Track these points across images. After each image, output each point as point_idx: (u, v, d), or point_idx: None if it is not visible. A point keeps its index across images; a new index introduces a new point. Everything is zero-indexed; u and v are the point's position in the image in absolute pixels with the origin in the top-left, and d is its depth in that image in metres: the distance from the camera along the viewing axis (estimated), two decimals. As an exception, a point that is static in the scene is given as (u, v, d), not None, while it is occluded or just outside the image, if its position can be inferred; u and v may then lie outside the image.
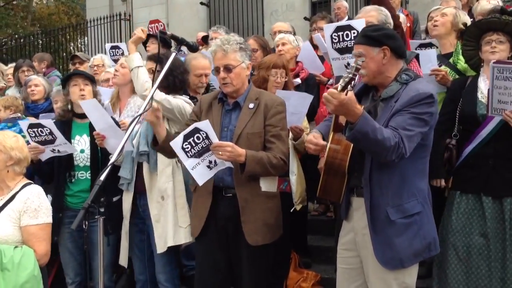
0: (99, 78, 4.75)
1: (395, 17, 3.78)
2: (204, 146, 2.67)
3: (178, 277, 3.48)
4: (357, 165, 2.48)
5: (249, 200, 2.82)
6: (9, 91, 5.23)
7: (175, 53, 2.68)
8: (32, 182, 2.91)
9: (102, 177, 2.20)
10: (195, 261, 3.14)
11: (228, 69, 2.85)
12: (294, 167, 3.59)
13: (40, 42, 14.51)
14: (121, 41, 12.90)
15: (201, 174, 2.74)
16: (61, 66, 13.75)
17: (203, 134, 2.65)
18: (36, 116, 4.54)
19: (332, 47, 3.48)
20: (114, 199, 3.48)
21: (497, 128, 2.99)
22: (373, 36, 2.50)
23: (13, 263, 2.54)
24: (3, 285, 2.47)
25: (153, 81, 2.90)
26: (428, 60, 3.53)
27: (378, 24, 3.08)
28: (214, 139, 2.64)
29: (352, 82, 2.22)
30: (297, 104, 3.41)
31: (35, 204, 2.73)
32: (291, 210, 3.54)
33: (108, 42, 13.17)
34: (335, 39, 3.45)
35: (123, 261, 3.43)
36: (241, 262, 2.89)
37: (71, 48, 17.64)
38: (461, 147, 3.16)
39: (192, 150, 2.68)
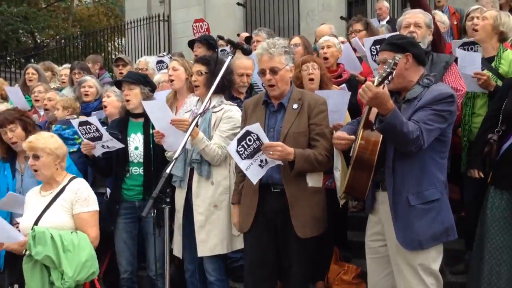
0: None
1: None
2: (255, 147, 2.93)
3: (224, 267, 3.70)
4: (382, 160, 2.70)
5: (297, 195, 3.05)
6: (65, 91, 5.58)
7: (231, 57, 2.91)
8: (76, 176, 3.24)
9: (168, 170, 2.50)
10: (244, 253, 3.39)
11: (274, 71, 3.08)
12: (338, 163, 3.73)
13: (80, 43, 15.04)
14: (159, 42, 13.35)
15: (255, 173, 3.01)
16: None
17: (254, 136, 2.91)
18: (87, 115, 4.87)
19: (372, 59, 3.69)
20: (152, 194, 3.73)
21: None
22: (397, 44, 2.79)
23: (73, 245, 2.87)
24: (67, 264, 2.80)
25: (206, 83, 3.18)
26: (472, 62, 3.68)
27: (402, 34, 3.35)
28: (265, 139, 2.89)
29: (389, 77, 2.48)
30: (336, 102, 3.58)
31: (85, 194, 3.08)
32: (340, 205, 3.74)
33: (146, 43, 13.63)
34: (374, 51, 3.71)
35: (178, 252, 3.67)
36: (290, 254, 3.12)
37: (110, 48, 18.23)
38: (501, 143, 3.31)
39: (245, 152, 2.95)
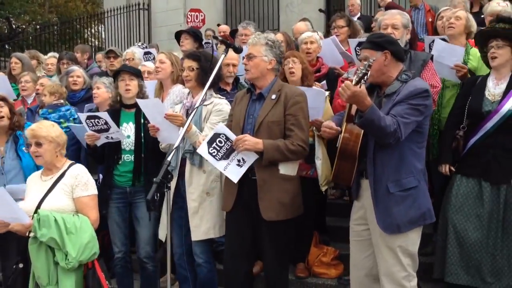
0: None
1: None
2: (228, 147, 3.17)
3: (211, 251, 3.92)
4: (364, 150, 2.95)
5: (267, 181, 3.28)
6: (53, 79, 5.70)
7: (224, 55, 3.13)
8: (75, 162, 3.41)
9: (169, 158, 2.73)
10: (225, 234, 3.62)
11: (249, 57, 3.35)
12: (319, 152, 4.03)
13: (57, 30, 14.91)
14: (139, 31, 13.35)
15: (234, 172, 3.25)
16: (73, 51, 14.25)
17: (222, 137, 3.15)
18: (74, 104, 5.04)
19: (357, 58, 3.99)
20: (155, 179, 3.93)
21: (500, 122, 3.46)
22: (376, 42, 3.01)
23: (75, 227, 3.04)
24: (71, 245, 2.97)
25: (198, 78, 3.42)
26: (453, 54, 3.96)
27: (381, 32, 3.60)
28: (232, 136, 3.13)
29: (365, 77, 2.72)
30: (313, 100, 3.76)
31: (84, 179, 3.25)
32: (323, 192, 4.01)
33: (125, 31, 13.60)
34: (358, 52, 3.96)
35: (163, 236, 3.85)
36: (261, 236, 3.37)
37: (86, 35, 18.06)
38: (467, 138, 3.61)
39: (218, 153, 3.20)
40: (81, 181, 3.22)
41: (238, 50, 3.24)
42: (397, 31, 3.82)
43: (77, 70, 5.17)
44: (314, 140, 4.04)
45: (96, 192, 3.31)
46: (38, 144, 3.18)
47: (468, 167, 3.56)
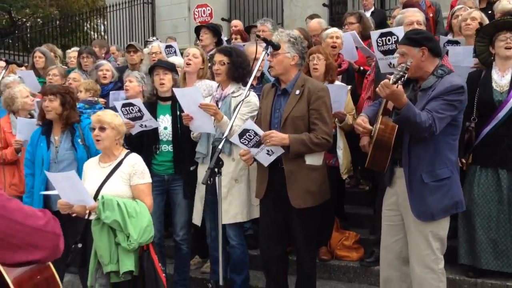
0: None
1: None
2: (257, 140, 3.39)
3: (243, 234, 4.16)
4: (399, 141, 3.12)
5: (294, 171, 3.51)
6: (75, 72, 5.92)
7: (265, 52, 3.37)
8: (131, 151, 3.61)
9: (220, 146, 2.99)
10: (259, 219, 3.87)
11: (273, 54, 3.55)
12: (341, 143, 4.30)
13: (58, 24, 15.04)
14: (143, 25, 13.51)
15: (264, 159, 3.50)
16: (77, 45, 14.39)
17: (251, 132, 3.36)
18: (103, 96, 5.27)
19: (378, 49, 4.18)
20: (191, 168, 4.17)
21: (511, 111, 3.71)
22: (414, 38, 3.14)
23: (136, 212, 3.22)
24: (132, 228, 3.16)
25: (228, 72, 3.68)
26: (467, 55, 4.21)
27: (419, 28, 3.79)
28: (260, 132, 3.35)
29: (402, 79, 2.90)
30: (336, 94, 4.01)
31: (141, 168, 3.44)
32: (345, 180, 4.26)
33: (128, 25, 13.74)
34: (380, 43, 4.17)
35: (197, 220, 4.12)
36: (291, 222, 3.61)
37: (87, 28, 18.19)
38: (478, 129, 3.86)
39: (249, 143, 3.43)
40: (138, 169, 3.40)
41: (276, 47, 3.46)
42: (420, 27, 4.06)
43: (106, 64, 5.41)
44: (336, 131, 4.31)
45: (150, 180, 3.48)
46: (102, 129, 3.34)
47: (484, 158, 3.79)
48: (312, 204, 3.53)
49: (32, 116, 4.66)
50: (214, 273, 4.20)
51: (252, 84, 4.60)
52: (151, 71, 4.31)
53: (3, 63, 4.53)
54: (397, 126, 3.04)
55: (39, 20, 17.42)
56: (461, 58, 4.19)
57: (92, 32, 18.07)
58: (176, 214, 4.20)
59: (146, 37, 13.22)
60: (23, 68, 4.90)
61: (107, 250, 3.17)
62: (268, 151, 3.45)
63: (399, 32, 4.03)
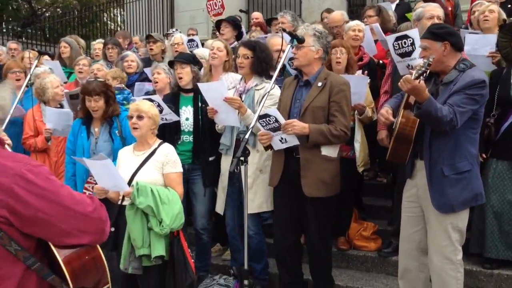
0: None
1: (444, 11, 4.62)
2: (275, 126, 3.48)
3: (261, 223, 4.28)
4: (420, 134, 3.18)
5: (309, 160, 3.60)
6: (99, 63, 6.07)
7: (290, 46, 3.47)
8: (164, 141, 3.72)
9: (247, 136, 3.15)
10: (273, 207, 3.97)
11: (298, 47, 3.64)
12: (359, 136, 4.38)
13: (77, 13, 15.21)
14: (162, 16, 13.64)
15: (276, 144, 3.60)
16: (95, 36, 14.57)
17: (272, 118, 3.45)
18: (128, 86, 5.40)
19: (395, 53, 4.25)
20: (210, 158, 4.31)
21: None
22: (437, 33, 3.18)
23: (168, 199, 3.35)
24: (165, 214, 3.28)
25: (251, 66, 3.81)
26: (487, 44, 4.23)
27: (441, 23, 3.85)
28: (282, 120, 3.44)
29: (424, 74, 2.97)
30: (356, 85, 4.07)
31: (174, 157, 3.57)
32: (360, 172, 4.36)
33: (146, 16, 13.87)
34: (396, 46, 4.25)
35: (220, 209, 4.25)
36: (304, 211, 3.70)
37: (106, 19, 18.36)
38: (498, 124, 3.91)
39: (266, 126, 3.52)
40: (170, 159, 3.53)
41: (300, 41, 3.55)
42: (440, 21, 4.13)
43: (131, 55, 5.55)
44: (354, 124, 4.40)
45: (181, 169, 3.61)
46: (140, 117, 3.47)
47: (501, 151, 3.87)
48: (324, 194, 3.63)
49: (61, 106, 4.82)
50: (234, 260, 4.36)
51: (271, 75, 4.74)
52: (171, 65, 4.44)
53: (35, 53, 4.66)
54: (418, 120, 3.10)
55: (58, 10, 17.62)
56: (478, 46, 4.22)
57: (110, 23, 18.23)
58: (196, 203, 4.33)
59: (164, 27, 13.35)
60: (47, 58, 5.02)
61: (140, 234, 3.29)
62: (281, 138, 3.54)
63: (414, 34, 4.13)
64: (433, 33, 3.18)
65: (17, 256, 1.67)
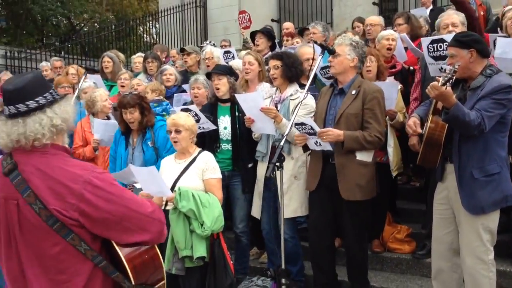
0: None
1: (473, 15, 4.68)
2: (311, 132, 3.67)
3: (295, 228, 4.42)
4: (450, 139, 3.29)
5: (345, 165, 3.77)
6: (140, 76, 6.41)
7: (321, 57, 3.67)
8: (203, 149, 3.95)
9: (282, 143, 3.37)
10: (308, 211, 4.13)
11: (334, 56, 3.83)
12: (391, 141, 4.51)
13: (113, 28, 15.77)
14: (196, 27, 14.03)
15: (311, 145, 3.78)
16: (131, 49, 15.11)
17: (308, 126, 3.64)
18: (167, 98, 5.69)
19: (428, 55, 4.36)
20: (249, 165, 4.51)
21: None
22: (463, 41, 3.31)
23: (208, 203, 3.56)
24: (206, 217, 3.49)
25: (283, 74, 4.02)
26: None
27: (467, 31, 3.94)
28: (317, 128, 3.63)
29: (451, 81, 3.10)
30: (387, 91, 4.18)
31: (213, 164, 3.79)
32: (393, 177, 4.48)
33: (180, 28, 14.28)
34: (431, 49, 4.34)
35: (256, 213, 4.44)
36: (342, 214, 3.86)
37: (141, 32, 18.98)
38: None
39: (302, 131, 3.71)
40: (210, 165, 3.75)
41: (331, 52, 3.75)
42: (457, 28, 4.23)
43: (170, 69, 5.88)
44: (387, 129, 4.53)
45: (221, 176, 3.82)
46: (178, 131, 3.71)
47: None
48: (360, 197, 3.78)
49: (108, 118, 5.14)
50: (271, 262, 4.52)
51: (304, 84, 4.92)
52: (208, 76, 4.69)
53: (81, 70, 5.01)
54: (447, 125, 3.22)
55: (96, 24, 18.30)
56: (508, 49, 4.28)
57: (145, 36, 18.83)
58: (235, 208, 4.53)
59: (198, 39, 13.72)
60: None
61: (183, 236, 3.51)
62: (316, 142, 3.73)
63: (450, 39, 4.21)
64: (459, 41, 3.31)
65: (86, 255, 1.89)
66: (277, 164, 3.35)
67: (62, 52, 14.57)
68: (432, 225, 3.65)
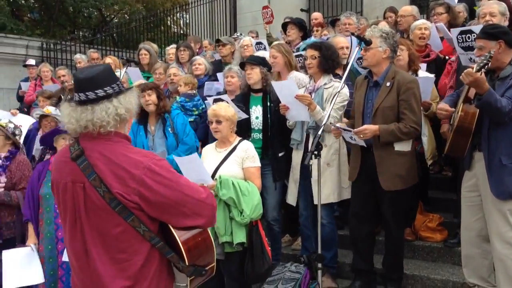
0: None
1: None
2: (347, 129, 3.80)
3: (333, 214, 4.57)
4: (479, 127, 3.40)
5: (383, 157, 3.88)
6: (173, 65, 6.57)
7: (359, 49, 3.76)
8: (243, 138, 4.08)
9: (319, 132, 3.48)
10: (350, 200, 4.26)
11: (366, 48, 3.91)
12: (426, 130, 4.58)
13: (143, 19, 15.98)
14: (225, 18, 14.14)
15: (347, 138, 3.93)
16: (161, 40, 15.30)
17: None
18: (199, 87, 5.84)
19: (458, 45, 4.44)
20: (280, 154, 4.64)
21: None
22: (491, 33, 3.43)
23: (248, 191, 3.69)
24: (245, 205, 3.62)
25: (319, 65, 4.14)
26: None
27: (494, 23, 4.00)
28: (351, 129, 3.75)
29: (486, 66, 3.20)
30: (423, 85, 4.26)
31: (253, 153, 3.91)
32: (428, 165, 4.55)
33: (208, 19, 14.41)
34: (460, 40, 4.43)
35: (292, 201, 4.58)
36: (383, 203, 3.98)
37: (169, 22, 19.13)
38: None
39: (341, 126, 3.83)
40: (250, 154, 3.87)
41: (368, 43, 3.83)
42: (494, 18, 4.27)
43: (199, 59, 6.07)
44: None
45: (259, 164, 3.94)
46: (218, 122, 3.84)
47: None
48: (401, 187, 3.89)
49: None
50: (305, 249, 4.68)
51: (338, 74, 5.01)
52: (242, 66, 4.82)
53: (116, 60, 5.13)
54: (477, 113, 3.32)
55: (126, 16, 18.58)
56: None
57: (174, 26, 19.01)
58: (267, 196, 4.64)
59: (227, 29, 13.83)
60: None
61: (223, 223, 3.65)
62: (351, 137, 3.86)
63: (478, 30, 4.24)
64: (488, 33, 3.42)
65: (144, 236, 2.05)
66: (315, 152, 3.47)
67: (94, 44, 14.86)
68: (461, 213, 3.75)
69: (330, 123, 3.99)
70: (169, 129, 4.64)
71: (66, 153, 2.12)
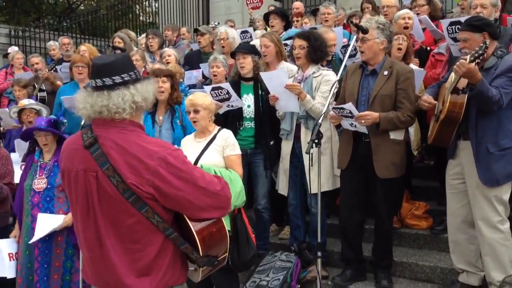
0: (226, 51, 5.75)
1: None
2: (348, 114, 3.81)
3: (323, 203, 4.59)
4: (465, 117, 3.49)
5: (380, 144, 3.91)
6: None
7: (355, 37, 3.76)
8: (222, 126, 4.03)
9: (320, 120, 3.49)
10: (340, 187, 4.27)
11: (363, 40, 3.93)
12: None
13: (113, 6, 15.59)
14: (197, 6, 13.92)
15: (345, 126, 3.93)
16: (129, 29, 14.95)
17: (346, 110, 3.77)
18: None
19: (448, 36, 4.52)
20: (271, 143, 4.65)
21: None
22: (475, 25, 3.52)
23: (230, 179, 3.56)
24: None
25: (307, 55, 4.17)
26: None
27: (478, 15, 4.10)
28: (356, 112, 3.76)
29: (480, 57, 3.28)
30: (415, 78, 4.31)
31: (232, 141, 3.88)
32: (415, 155, 4.62)
33: (179, 7, 14.14)
34: (450, 31, 4.53)
35: (282, 190, 4.59)
36: (376, 192, 4.02)
37: (137, 10, 18.74)
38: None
39: (339, 114, 3.84)
40: (230, 142, 3.85)
41: (365, 31, 3.85)
42: (485, 10, 4.36)
43: (168, 51, 6.00)
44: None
45: (240, 152, 3.92)
46: (196, 111, 3.81)
47: None
48: (396, 175, 3.96)
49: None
50: (294, 237, 4.69)
51: (321, 64, 4.97)
52: (233, 55, 4.79)
53: (92, 48, 4.96)
54: (465, 103, 3.41)
55: (93, 3, 18.06)
56: None
57: (142, 14, 18.64)
58: (257, 185, 4.68)
59: (199, 18, 13.65)
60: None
61: (206, 212, 3.61)
62: (351, 123, 3.87)
63: None
64: (472, 25, 3.52)
65: (158, 227, 2.02)
66: (315, 141, 3.46)
67: (59, 31, 14.40)
68: (447, 200, 3.86)
69: (336, 107, 3.92)
70: (178, 121, 4.54)
71: (78, 140, 2.06)
